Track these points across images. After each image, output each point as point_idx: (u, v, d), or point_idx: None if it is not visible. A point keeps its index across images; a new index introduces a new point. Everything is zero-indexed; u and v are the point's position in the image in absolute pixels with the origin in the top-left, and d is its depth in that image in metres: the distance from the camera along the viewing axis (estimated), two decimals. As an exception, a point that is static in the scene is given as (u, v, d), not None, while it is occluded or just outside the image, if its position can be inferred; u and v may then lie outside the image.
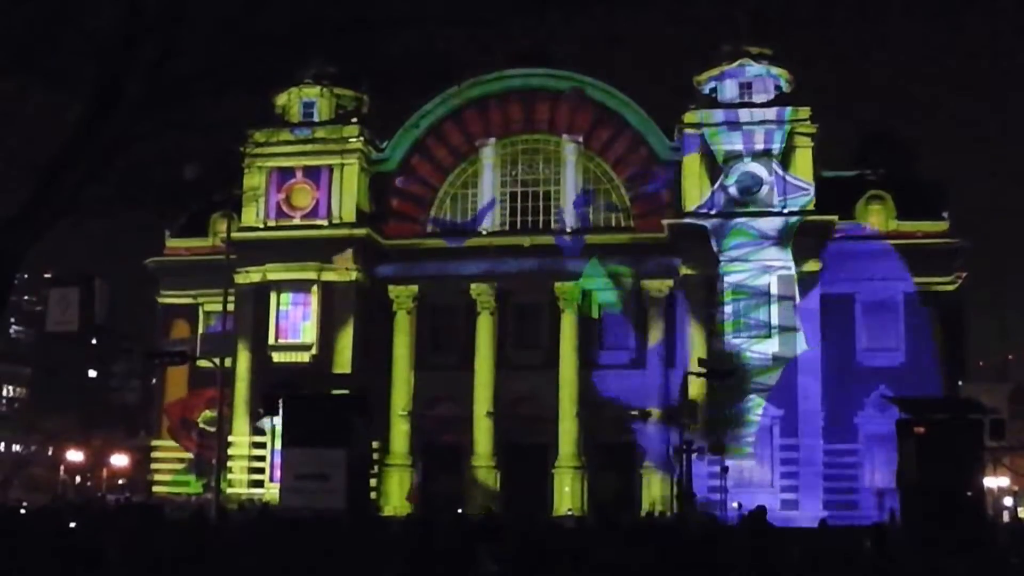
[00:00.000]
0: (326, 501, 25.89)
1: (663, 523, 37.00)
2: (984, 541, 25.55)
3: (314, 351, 59.64)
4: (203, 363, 62.14)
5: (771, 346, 55.60)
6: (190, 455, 63.83)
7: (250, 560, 21.44)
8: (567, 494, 57.39)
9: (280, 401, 28.87)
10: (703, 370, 45.88)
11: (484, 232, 61.85)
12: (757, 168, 57.18)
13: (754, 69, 58.75)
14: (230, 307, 48.71)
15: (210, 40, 16.78)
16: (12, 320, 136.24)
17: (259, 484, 57.64)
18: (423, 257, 61.25)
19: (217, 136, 19.19)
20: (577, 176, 61.51)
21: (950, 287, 60.50)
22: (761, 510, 24.41)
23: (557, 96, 61.85)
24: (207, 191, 23.37)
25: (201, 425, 64.16)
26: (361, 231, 60.55)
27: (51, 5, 16.62)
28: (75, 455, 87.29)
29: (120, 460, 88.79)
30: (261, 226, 60.89)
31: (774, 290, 56.01)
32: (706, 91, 59.63)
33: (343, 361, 58.99)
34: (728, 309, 56.19)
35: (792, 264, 55.84)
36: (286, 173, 61.13)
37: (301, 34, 17.18)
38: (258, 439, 58.52)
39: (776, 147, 57.27)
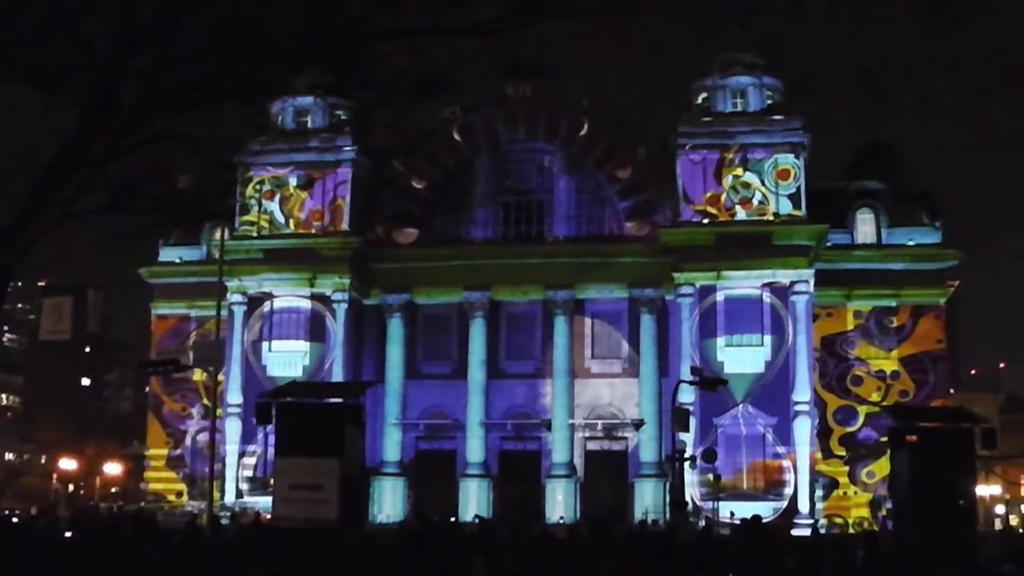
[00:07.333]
0: (319, 511, 25.81)
1: (655, 532, 36.98)
2: (976, 550, 25.59)
3: (307, 360, 59.60)
4: (197, 372, 62.65)
5: (763, 354, 55.70)
6: (184, 466, 63.94)
7: (243, 570, 21.45)
8: (559, 502, 57.39)
9: (273, 410, 28.76)
10: (695, 379, 45.92)
11: (477, 241, 61.95)
12: (749, 177, 57.30)
13: (746, 79, 58.87)
14: (223, 316, 48.77)
15: (204, 51, 16.84)
16: (5, 328, 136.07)
17: (252, 493, 57.46)
18: (416, 266, 61.26)
19: (211, 146, 19.20)
20: (570, 185, 61.68)
21: (942, 296, 60.79)
22: (756, 519, 24.46)
23: (550, 106, 61.91)
24: (201, 201, 23.36)
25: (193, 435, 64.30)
26: (354, 240, 60.58)
27: (46, 15, 16.66)
28: (68, 464, 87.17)
29: (113, 469, 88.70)
30: (255, 235, 60.81)
31: (766, 298, 56.11)
32: (699, 100, 59.71)
33: (336, 370, 59.04)
34: (720, 317, 56.29)
35: (784, 272, 55.95)
36: (280, 182, 61.11)
37: (295, 46, 17.25)
38: (251, 448, 58.39)
39: (768, 156, 57.38)
